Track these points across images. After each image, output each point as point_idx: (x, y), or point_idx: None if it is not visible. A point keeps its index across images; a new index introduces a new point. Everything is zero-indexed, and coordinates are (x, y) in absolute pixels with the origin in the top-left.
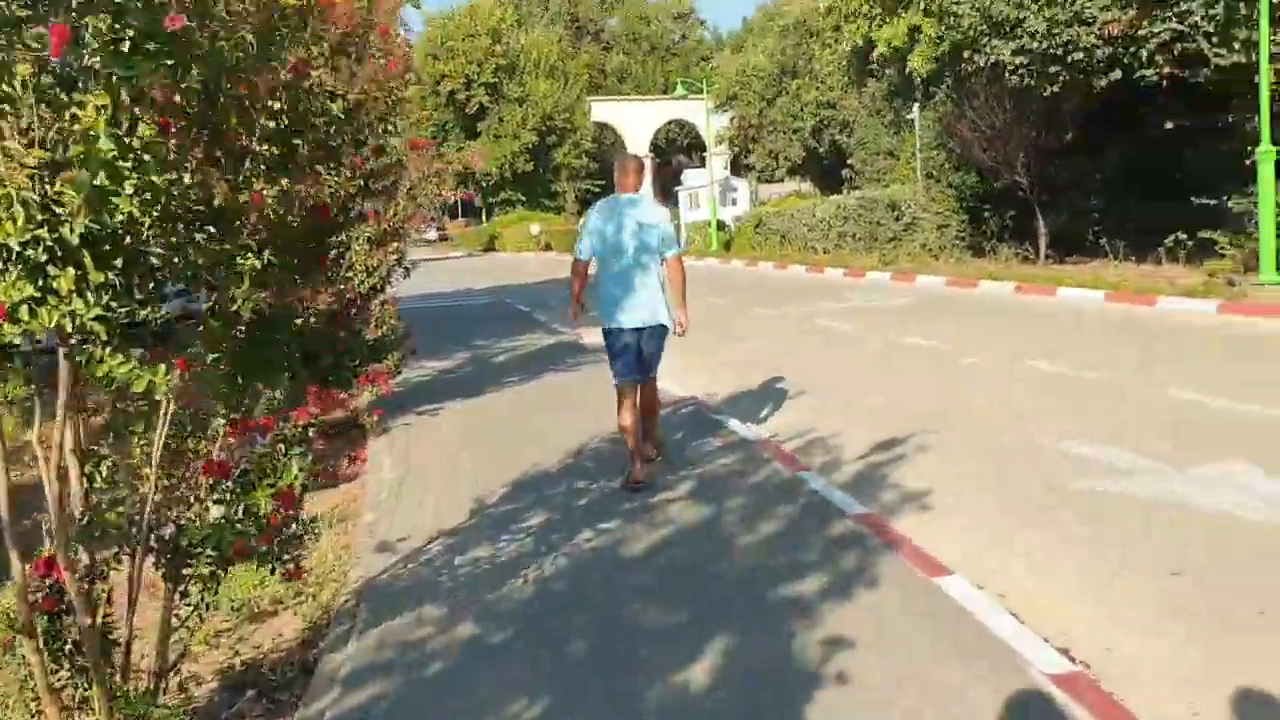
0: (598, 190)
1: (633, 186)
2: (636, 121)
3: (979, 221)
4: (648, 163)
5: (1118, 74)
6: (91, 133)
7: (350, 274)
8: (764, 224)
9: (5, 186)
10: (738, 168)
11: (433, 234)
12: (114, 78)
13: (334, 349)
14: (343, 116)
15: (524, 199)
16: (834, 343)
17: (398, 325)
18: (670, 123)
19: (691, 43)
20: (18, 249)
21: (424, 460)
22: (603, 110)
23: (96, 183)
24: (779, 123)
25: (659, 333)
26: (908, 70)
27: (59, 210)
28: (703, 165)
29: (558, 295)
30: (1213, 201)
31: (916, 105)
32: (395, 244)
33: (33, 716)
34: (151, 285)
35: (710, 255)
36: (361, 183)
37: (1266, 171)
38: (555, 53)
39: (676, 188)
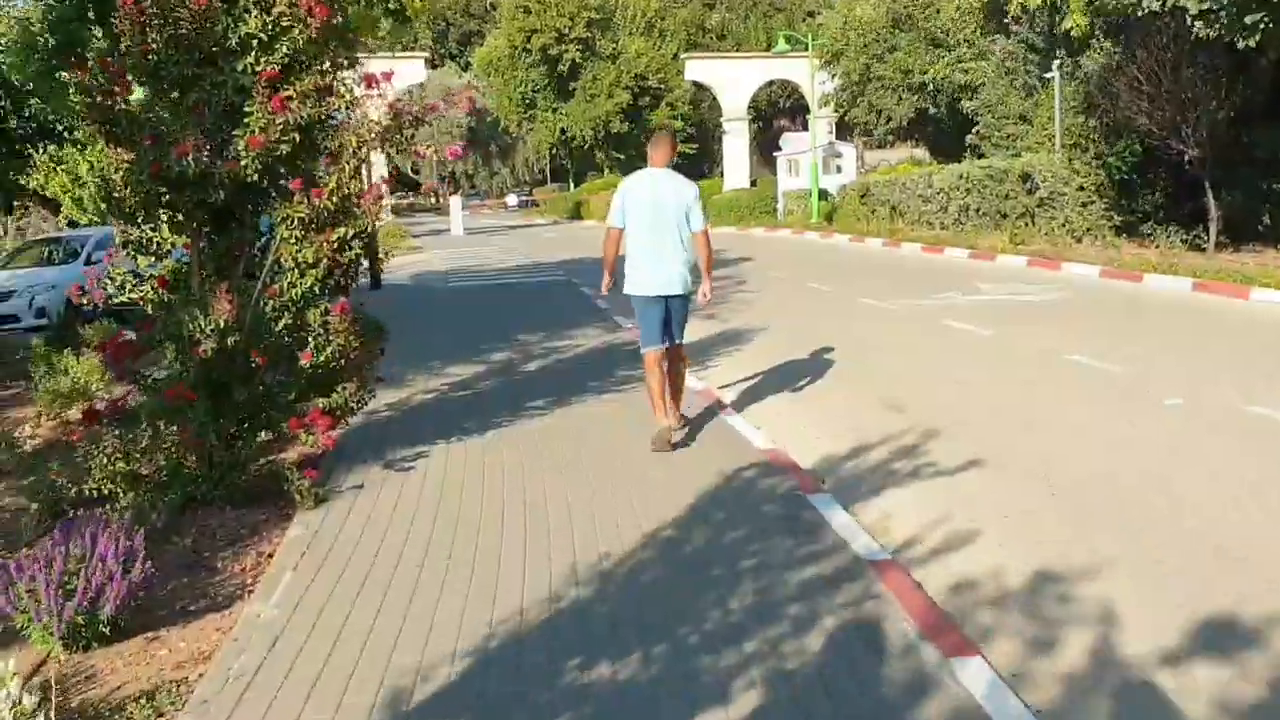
0: (691, 154)
1: (663, 161)
2: (734, 80)
3: (1130, 199)
4: (745, 128)
5: None
6: None
7: (276, 272)
8: (871, 194)
9: None
10: (843, 131)
11: (514, 200)
12: None
13: (248, 380)
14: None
15: (620, 159)
16: (973, 355)
17: (354, 342)
18: (771, 83)
19: None
20: None
21: (351, 579)
22: (698, 68)
23: None
24: (887, 79)
25: (682, 301)
26: (1059, 21)
27: None
28: (805, 129)
29: None
30: None
31: (1057, 64)
32: (344, 229)
33: None
34: None
35: (810, 228)
36: (291, 137)
37: None
38: (652, 7)
39: (775, 154)
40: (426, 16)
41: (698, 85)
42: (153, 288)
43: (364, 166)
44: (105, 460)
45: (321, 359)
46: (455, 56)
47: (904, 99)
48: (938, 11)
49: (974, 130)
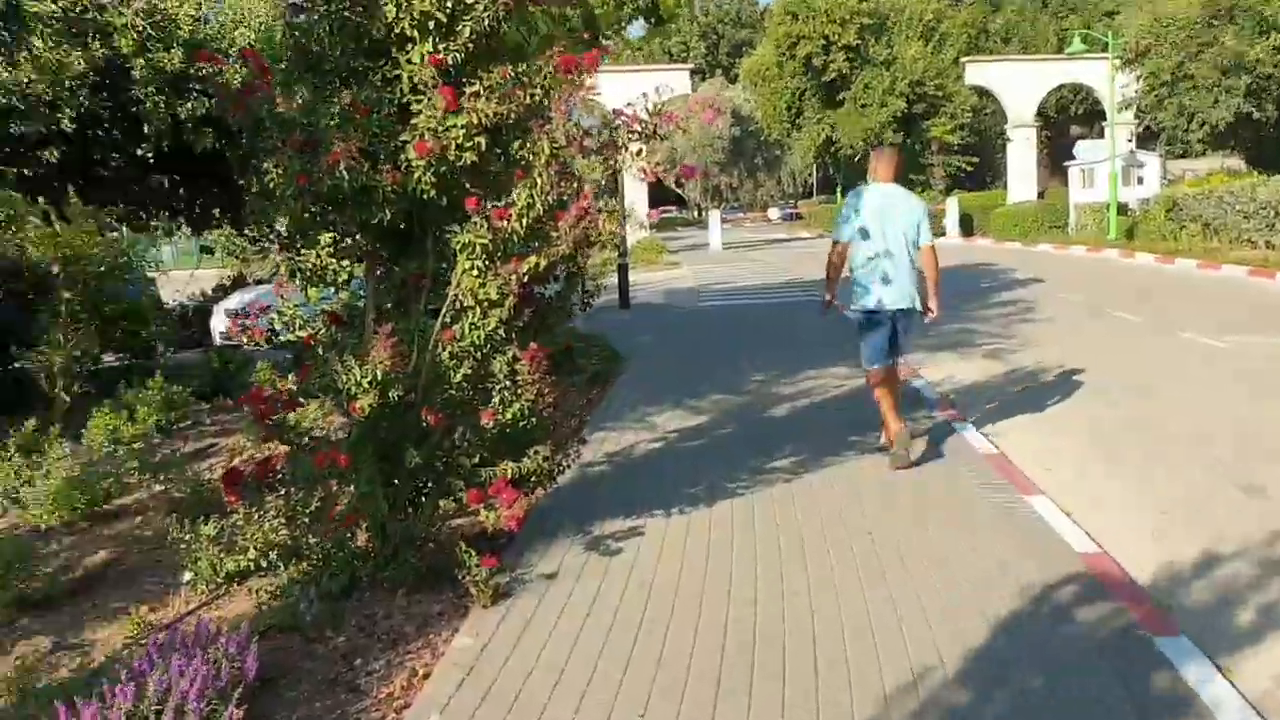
0: (970, 169)
1: (886, 176)
2: (1020, 85)
3: None
4: (1032, 136)
5: None
6: None
7: (455, 311)
8: (1179, 208)
9: None
10: (1144, 140)
11: (776, 213)
12: None
13: (423, 440)
14: None
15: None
16: None
17: (546, 394)
18: (1061, 88)
19: None
20: None
21: None
22: (979, 72)
23: None
24: (1201, 78)
25: (910, 316)
26: None
27: None
28: (1100, 137)
29: None
30: None
31: None
32: (537, 258)
33: None
34: None
35: (1108, 245)
36: (474, 143)
37: None
38: (931, 10)
39: (1067, 163)
40: (696, 26)
41: (979, 91)
42: (324, 324)
43: (571, 180)
44: (260, 530)
45: (508, 416)
46: (727, 69)
47: (1221, 100)
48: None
49: None
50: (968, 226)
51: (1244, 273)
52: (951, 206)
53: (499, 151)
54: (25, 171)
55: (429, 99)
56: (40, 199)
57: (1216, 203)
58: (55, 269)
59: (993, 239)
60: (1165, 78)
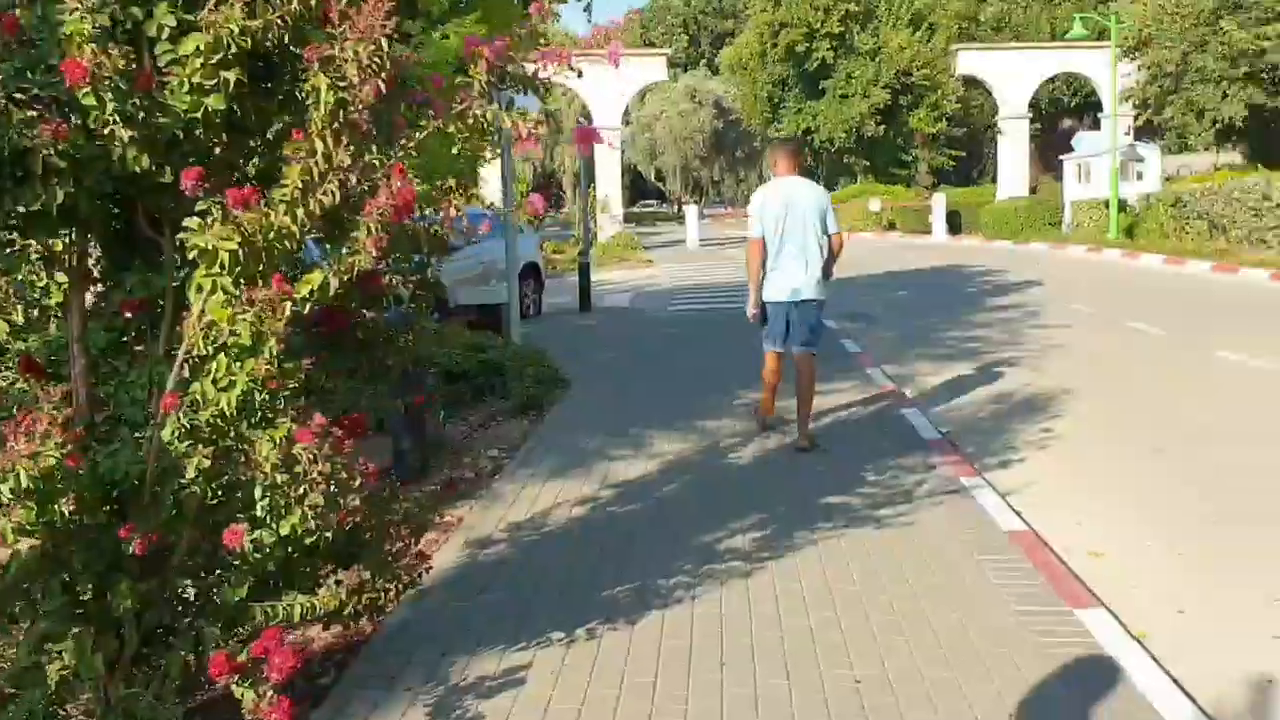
0: (956, 162)
1: (786, 169)
2: (1013, 74)
3: None
4: (1025, 129)
5: None
6: None
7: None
8: (1185, 205)
9: None
10: (1142, 133)
11: None
12: None
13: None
14: None
15: (869, 164)
16: None
17: (351, 488)
18: (1055, 79)
19: None
20: None
21: None
22: (971, 60)
23: None
24: (1208, 70)
25: (815, 306)
26: None
27: None
28: (1096, 128)
29: (895, 303)
30: None
31: None
32: (323, 273)
33: None
34: None
35: (1109, 245)
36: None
37: None
38: None
39: (1062, 157)
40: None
41: (970, 82)
42: (17, 374)
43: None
44: None
45: (272, 538)
46: (709, 60)
47: (1230, 94)
48: None
49: None
50: (955, 224)
51: (1266, 277)
52: (938, 203)
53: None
54: None
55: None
56: None
57: (1226, 199)
58: None
59: (982, 237)
60: (1170, 69)
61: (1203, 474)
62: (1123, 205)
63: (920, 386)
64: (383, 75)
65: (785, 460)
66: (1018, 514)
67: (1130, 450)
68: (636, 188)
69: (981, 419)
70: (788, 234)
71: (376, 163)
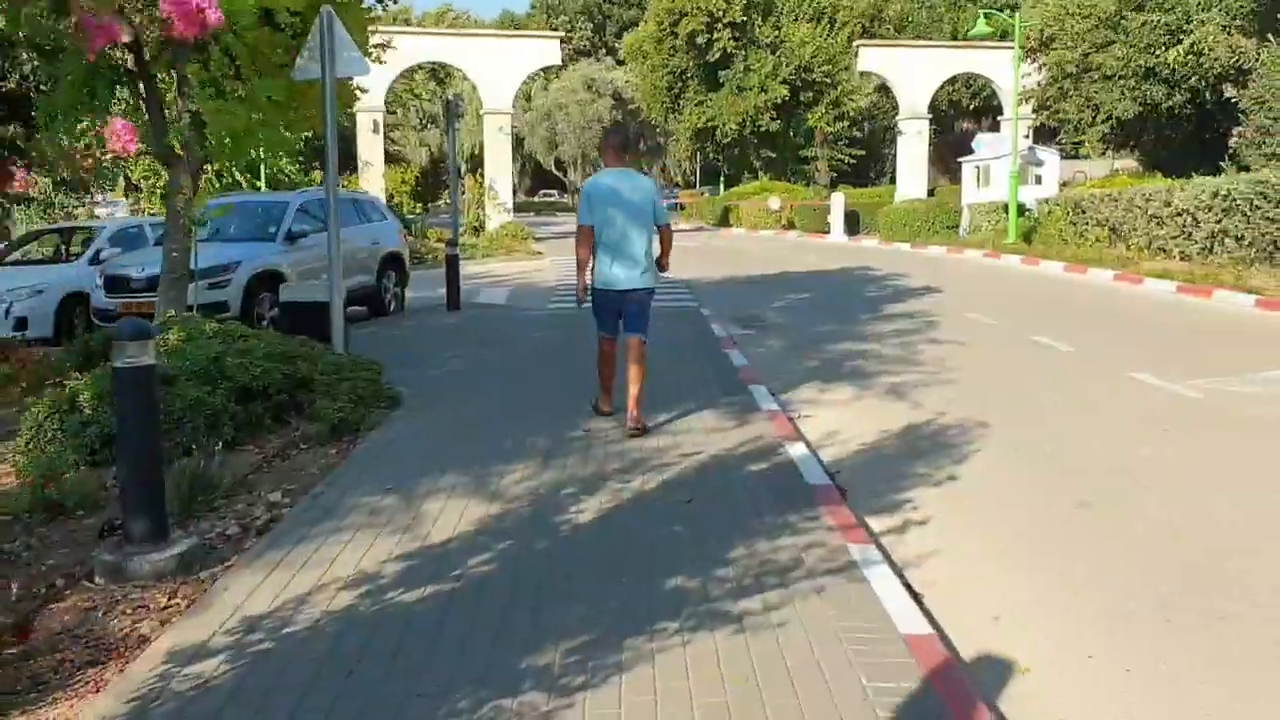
0: (854, 161)
1: (615, 161)
2: (915, 73)
3: None
4: (925, 130)
5: None
6: None
7: None
8: (1084, 210)
9: None
10: (1040, 135)
11: None
12: None
13: None
14: None
15: (773, 158)
16: None
17: None
18: (953, 80)
19: None
20: None
21: None
22: (874, 57)
23: None
24: (1108, 68)
25: (644, 295)
26: None
27: None
28: (995, 130)
29: (789, 307)
30: None
31: None
32: None
33: None
34: None
35: (1007, 250)
36: None
37: None
38: None
39: (961, 159)
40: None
41: (870, 78)
42: None
43: None
44: None
45: None
46: (613, 50)
47: (1126, 94)
48: None
49: (1236, 132)
50: (854, 225)
51: (1171, 288)
52: (836, 203)
53: None
54: None
55: None
56: None
57: (1126, 206)
58: None
59: (880, 239)
60: (1070, 69)
61: (1142, 539)
62: (1022, 210)
63: (808, 412)
64: None
65: (638, 518)
66: (918, 601)
67: (1053, 503)
68: (538, 177)
69: (877, 458)
70: (617, 224)
71: None
